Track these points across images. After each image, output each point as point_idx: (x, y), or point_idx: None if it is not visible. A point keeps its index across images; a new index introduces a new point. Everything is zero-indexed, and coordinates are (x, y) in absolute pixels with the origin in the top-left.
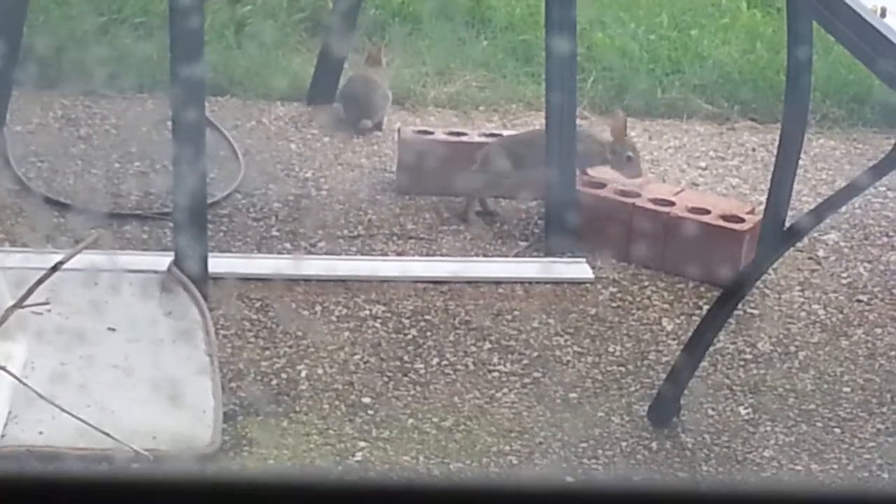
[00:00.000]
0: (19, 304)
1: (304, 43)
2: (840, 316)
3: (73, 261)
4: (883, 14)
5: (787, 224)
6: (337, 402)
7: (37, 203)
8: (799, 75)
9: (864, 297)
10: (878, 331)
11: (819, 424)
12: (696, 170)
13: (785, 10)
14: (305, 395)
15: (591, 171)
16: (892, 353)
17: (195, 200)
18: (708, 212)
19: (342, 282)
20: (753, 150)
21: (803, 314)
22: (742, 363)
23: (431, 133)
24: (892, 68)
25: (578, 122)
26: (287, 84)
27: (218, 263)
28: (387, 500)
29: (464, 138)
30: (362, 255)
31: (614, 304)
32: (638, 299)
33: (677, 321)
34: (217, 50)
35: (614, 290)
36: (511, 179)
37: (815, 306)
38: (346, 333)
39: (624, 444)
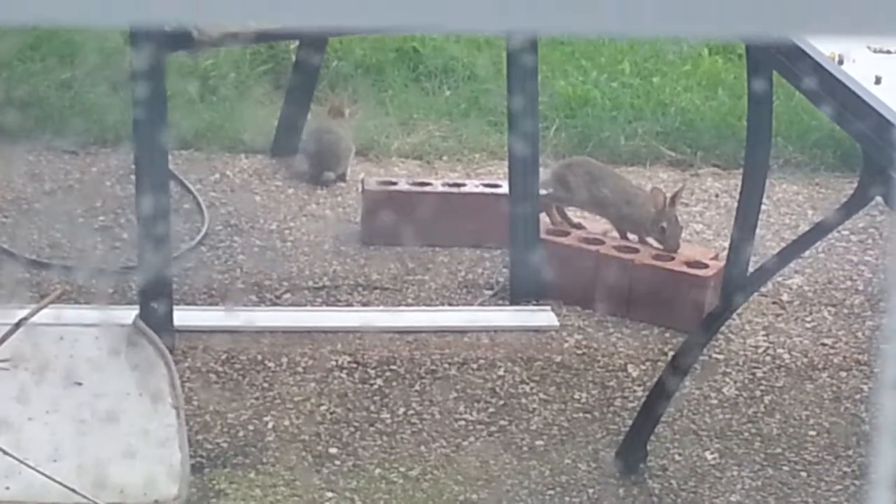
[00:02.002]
0: None
1: (268, 95)
2: (805, 360)
3: (38, 316)
4: (840, 61)
5: (751, 269)
6: (304, 453)
7: (0, 258)
8: (760, 121)
9: (829, 341)
10: (843, 374)
11: (785, 468)
12: None
13: (745, 57)
14: (272, 447)
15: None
16: (858, 397)
17: (160, 253)
18: (672, 258)
19: (308, 333)
20: (717, 195)
21: (768, 358)
22: (708, 408)
23: (395, 183)
24: (851, 115)
25: (635, 187)
26: (251, 136)
27: (183, 316)
28: None
29: (427, 188)
30: (328, 305)
31: (580, 352)
32: (603, 346)
33: (643, 367)
34: (180, 103)
35: (579, 337)
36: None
37: (780, 350)
38: (313, 384)
39: (591, 490)
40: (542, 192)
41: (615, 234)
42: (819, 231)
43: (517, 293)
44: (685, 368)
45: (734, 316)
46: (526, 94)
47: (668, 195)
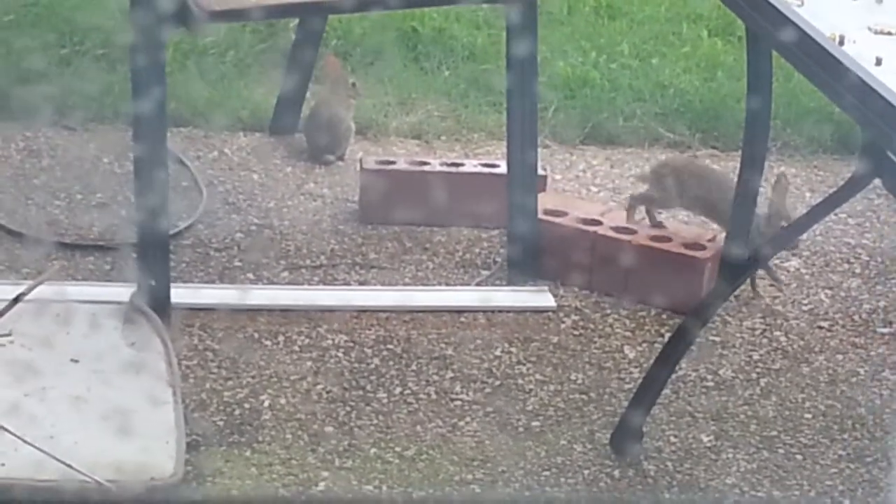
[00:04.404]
0: None
1: (267, 73)
2: (801, 342)
3: (35, 292)
4: (841, 42)
5: (749, 251)
6: (300, 432)
7: None
8: (759, 103)
9: (825, 324)
10: (840, 357)
11: (781, 451)
12: None
13: (744, 38)
14: (268, 425)
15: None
16: (853, 380)
17: (157, 231)
18: (669, 240)
19: (305, 312)
20: None
21: (765, 341)
22: (704, 390)
23: (393, 163)
24: (851, 96)
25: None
26: (249, 115)
27: (180, 294)
28: None
29: (426, 168)
30: (325, 284)
31: (576, 333)
32: (600, 327)
33: (639, 349)
34: (179, 81)
35: (576, 318)
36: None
37: (777, 333)
38: (309, 363)
39: (586, 472)
40: (637, 191)
41: (613, 214)
42: (817, 213)
43: (514, 273)
44: (682, 350)
45: (731, 298)
46: (525, 75)
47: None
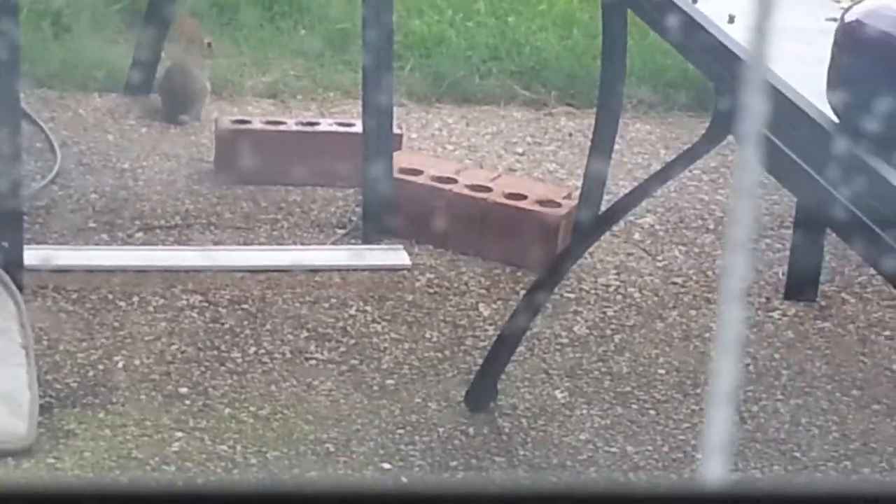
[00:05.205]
0: None
1: (122, 33)
2: (655, 299)
3: None
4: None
5: (603, 208)
6: (154, 393)
7: None
8: (614, 61)
9: (679, 280)
10: (693, 313)
11: (634, 406)
12: (513, 155)
13: None
14: (122, 387)
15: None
16: (707, 335)
17: (11, 192)
18: (525, 197)
19: (159, 272)
20: (570, 135)
21: (619, 297)
22: (558, 347)
23: (249, 122)
24: (704, 53)
25: None
26: (104, 75)
27: (34, 255)
28: None
29: (281, 127)
30: (180, 245)
31: (431, 291)
32: (455, 285)
33: (494, 306)
34: (33, 42)
35: (431, 276)
36: None
37: (631, 289)
38: (164, 324)
39: (441, 429)
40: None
41: (468, 173)
42: (671, 170)
43: (370, 232)
44: (536, 307)
45: (586, 255)
46: (381, 34)
47: None
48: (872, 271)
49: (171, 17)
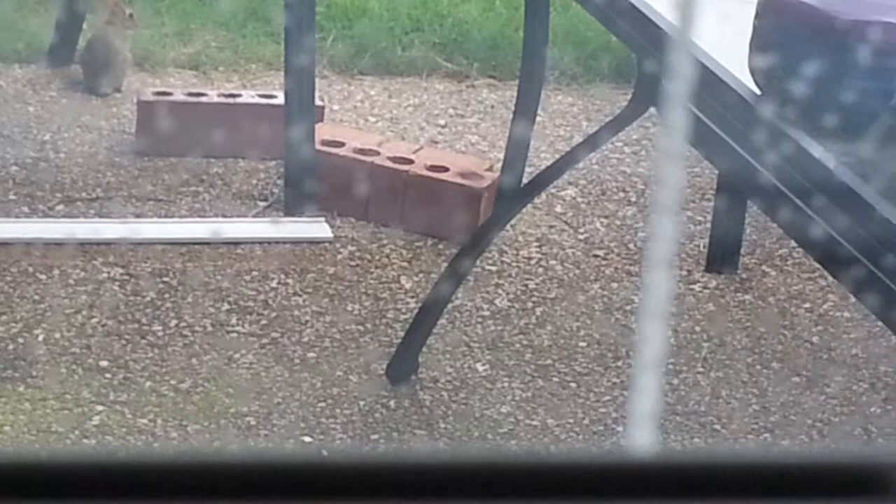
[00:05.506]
0: None
1: (43, 3)
2: (577, 271)
3: None
4: None
5: (525, 180)
6: (74, 367)
7: None
8: (536, 32)
9: (601, 252)
10: (615, 285)
11: (556, 379)
12: (435, 127)
13: None
14: (42, 360)
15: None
16: (628, 308)
17: None
18: (447, 169)
19: (80, 245)
20: (492, 107)
21: (541, 270)
22: (480, 320)
23: (170, 94)
24: (627, 25)
25: None
26: (25, 46)
27: None
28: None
29: (203, 99)
30: (100, 217)
31: (353, 263)
32: (377, 258)
33: (416, 279)
34: None
35: (353, 248)
36: None
37: (553, 262)
38: (84, 297)
39: (362, 402)
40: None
41: (390, 145)
42: (593, 142)
43: (291, 205)
44: (458, 280)
45: (508, 227)
46: (303, 5)
47: None
48: (793, 244)
49: None
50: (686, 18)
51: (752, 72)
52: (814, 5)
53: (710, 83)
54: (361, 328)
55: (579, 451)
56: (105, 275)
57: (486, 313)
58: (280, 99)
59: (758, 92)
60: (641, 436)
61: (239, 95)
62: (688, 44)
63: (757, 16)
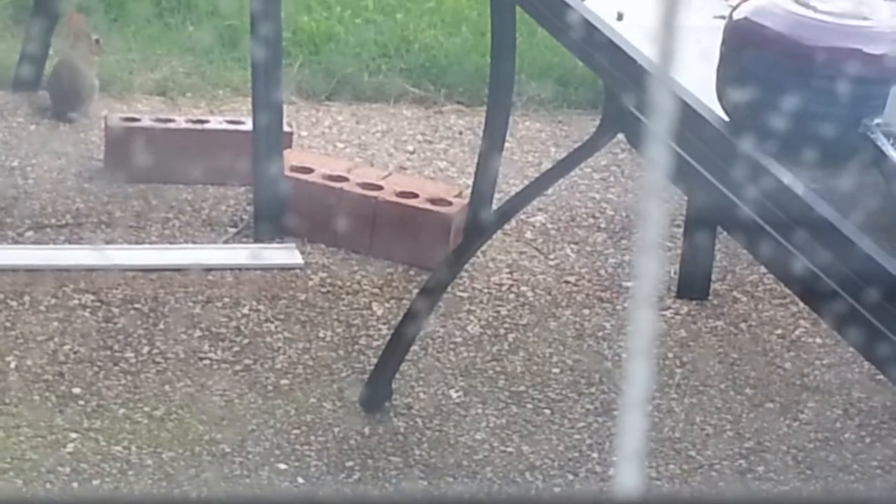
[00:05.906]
0: None
1: (9, 29)
2: (548, 297)
3: None
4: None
5: (495, 207)
6: (47, 394)
7: None
8: (503, 58)
9: (572, 279)
10: (586, 311)
11: (529, 406)
12: (403, 154)
13: None
14: (15, 387)
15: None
16: (600, 334)
17: None
18: (416, 195)
19: (51, 271)
20: (460, 133)
21: (512, 296)
22: (452, 346)
23: (138, 120)
24: (593, 51)
25: None
26: None
27: None
28: None
29: (170, 125)
30: (71, 244)
31: (324, 290)
32: (348, 284)
33: (387, 305)
34: None
35: (324, 275)
36: None
37: (524, 288)
38: (56, 323)
39: (336, 429)
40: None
41: (359, 171)
42: (562, 168)
43: (261, 231)
44: (429, 306)
45: (478, 254)
46: (269, 30)
47: None
48: (763, 270)
49: (59, 12)
50: (668, 49)
51: (721, 98)
52: (780, 31)
53: (678, 110)
54: (334, 355)
55: (567, 493)
56: (77, 301)
57: (459, 340)
58: (248, 125)
59: (726, 118)
60: (630, 474)
61: (207, 122)
62: (659, 72)
63: (723, 42)
